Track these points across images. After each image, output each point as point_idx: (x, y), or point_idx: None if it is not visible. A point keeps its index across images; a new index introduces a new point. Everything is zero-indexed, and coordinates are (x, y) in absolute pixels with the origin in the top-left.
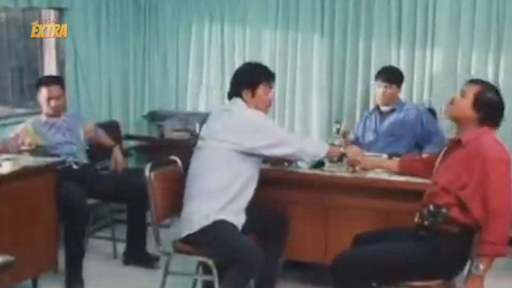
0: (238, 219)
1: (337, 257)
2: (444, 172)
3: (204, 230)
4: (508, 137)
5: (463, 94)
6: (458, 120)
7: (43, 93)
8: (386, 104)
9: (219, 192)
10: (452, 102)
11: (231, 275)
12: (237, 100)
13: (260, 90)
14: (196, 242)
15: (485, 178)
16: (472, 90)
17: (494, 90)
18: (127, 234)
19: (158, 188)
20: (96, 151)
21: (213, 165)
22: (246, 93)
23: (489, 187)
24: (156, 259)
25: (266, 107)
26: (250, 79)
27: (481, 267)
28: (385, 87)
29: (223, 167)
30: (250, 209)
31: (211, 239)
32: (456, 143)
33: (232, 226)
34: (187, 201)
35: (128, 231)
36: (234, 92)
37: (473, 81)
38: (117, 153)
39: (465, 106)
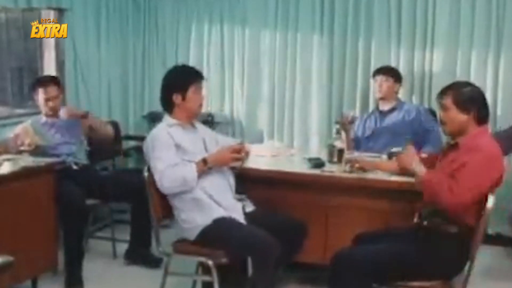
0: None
1: (336, 255)
2: (439, 173)
3: (202, 235)
4: None
5: (443, 108)
6: (457, 132)
7: (41, 94)
8: (384, 99)
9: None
10: (442, 122)
11: (254, 270)
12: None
13: (190, 92)
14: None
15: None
16: (449, 98)
17: (464, 84)
18: (130, 234)
19: (156, 188)
20: (96, 151)
21: None
22: (176, 98)
23: (462, 170)
24: (161, 260)
25: (198, 107)
26: (179, 84)
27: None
28: (382, 79)
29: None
30: (269, 218)
31: (212, 242)
32: (452, 146)
33: (225, 220)
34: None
35: (132, 231)
36: (165, 98)
37: (442, 92)
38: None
39: (454, 116)
